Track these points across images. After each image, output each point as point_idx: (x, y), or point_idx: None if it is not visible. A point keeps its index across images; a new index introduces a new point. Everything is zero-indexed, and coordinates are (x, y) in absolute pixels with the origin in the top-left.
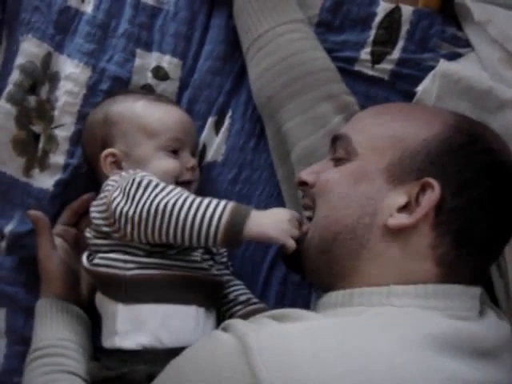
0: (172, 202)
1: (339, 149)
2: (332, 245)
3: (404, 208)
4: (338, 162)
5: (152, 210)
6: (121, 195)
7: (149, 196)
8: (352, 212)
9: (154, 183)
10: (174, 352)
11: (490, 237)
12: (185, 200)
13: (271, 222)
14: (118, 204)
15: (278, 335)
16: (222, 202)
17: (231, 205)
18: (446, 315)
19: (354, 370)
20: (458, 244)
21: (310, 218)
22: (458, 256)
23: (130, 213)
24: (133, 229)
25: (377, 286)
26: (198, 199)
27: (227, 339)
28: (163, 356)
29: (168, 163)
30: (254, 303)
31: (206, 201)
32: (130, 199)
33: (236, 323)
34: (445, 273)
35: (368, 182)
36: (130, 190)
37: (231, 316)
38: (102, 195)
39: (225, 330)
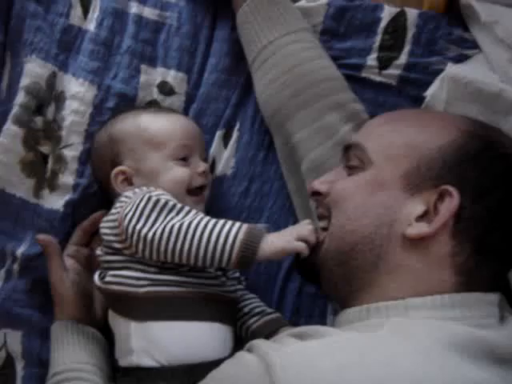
0: (187, 222)
1: (353, 157)
2: (349, 256)
3: (422, 217)
4: (351, 170)
5: (167, 230)
6: (134, 213)
7: (165, 218)
8: (369, 222)
9: (170, 204)
10: (192, 368)
11: (510, 243)
12: (200, 220)
13: (282, 237)
14: (131, 221)
15: (299, 352)
16: (237, 224)
17: (245, 226)
18: (464, 324)
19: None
20: (478, 251)
21: (324, 229)
22: (477, 264)
23: (144, 231)
24: (145, 247)
25: (393, 300)
26: (213, 220)
27: (251, 359)
28: (181, 373)
29: (178, 172)
30: (270, 313)
31: (221, 222)
32: (145, 218)
33: (259, 343)
34: (463, 281)
35: (385, 191)
36: (144, 208)
37: (248, 329)
38: (113, 211)
39: (249, 350)
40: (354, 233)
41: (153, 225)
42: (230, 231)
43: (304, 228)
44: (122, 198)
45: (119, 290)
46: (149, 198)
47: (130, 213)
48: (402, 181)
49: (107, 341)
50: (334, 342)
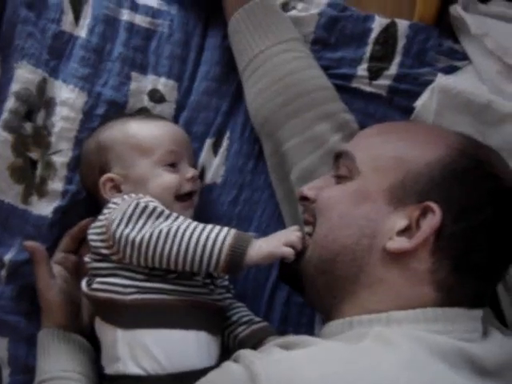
0: (175, 227)
1: (342, 166)
2: (331, 265)
3: (404, 231)
4: (340, 179)
5: (155, 234)
6: (122, 218)
7: (153, 223)
8: (351, 233)
9: (158, 210)
10: (177, 377)
11: (491, 262)
12: (188, 225)
13: (270, 242)
14: (119, 226)
15: (284, 362)
16: (225, 228)
17: (233, 231)
18: (447, 337)
19: None
20: (458, 269)
21: (309, 234)
22: (457, 281)
23: (132, 235)
24: (133, 251)
25: (376, 313)
26: (201, 225)
27: (236, 369)
28: (166, 382)
29: (167, 178)
30: (257, 322)
31: (209, 226)
32: (133, 223)
33: (245, 353)
34: (444, 297)
35: (369, 202)
36: (132, 214)
37: (235, 338)
38: (101, 217)
39: (235, 360)
40: (335, 242)
41: (141, 230)
42: (218, 235)
43: (292, 234)
44: (110, 205)
45: (106, 297)
46: (137, 204)
47: (118, 218)
48: (387, 194)
49: (94, 349)
50: (319, 352)
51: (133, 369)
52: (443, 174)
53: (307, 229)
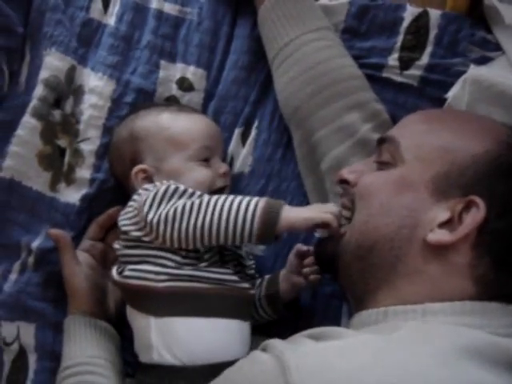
0: (206, 199)
1: (385, 152)
2: (368, 252)
3: (445, 224)
4: (382, 165)
5: (187, 206)
6: (154, 198)
7: (185, 199)
8: (392, 221)
9: (190, 191)
10: (212, 368)
11: None
12: (218, 197)
13: (308, 209)
14: (151, 206)
15: (315, 353)
16: (255, 197)
17: (265, 198)
18: (482, 331)
19: None
20: (498, 265)
21: (347, 218)
22: (496, 277)
23: (164, 212)
24: (166, 227)
25: (411, 304)
26: (232, 196)
27: (266, 359)
28: (201, 372)
29: (201, 173)
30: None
31: (239, 197)
32: (165, 202)
33: (274, 343)
34: (483, 291)
35: (411, 192)
36: (164, 194)
37: (255, 303)
38: (131, 203)
39: (264, 350)
40: (375, 230)
41: (173, 205)
42: (250, 202)
43: (329, 206)
44: (141, 191)
45: (138, 285)
46: (168, 186)
47: (150, 199)
48: (430, 184)
49: (120, 336)
50: (350, 344)
51: (168, 358)
52: (489, 168)
53: (345, 213)
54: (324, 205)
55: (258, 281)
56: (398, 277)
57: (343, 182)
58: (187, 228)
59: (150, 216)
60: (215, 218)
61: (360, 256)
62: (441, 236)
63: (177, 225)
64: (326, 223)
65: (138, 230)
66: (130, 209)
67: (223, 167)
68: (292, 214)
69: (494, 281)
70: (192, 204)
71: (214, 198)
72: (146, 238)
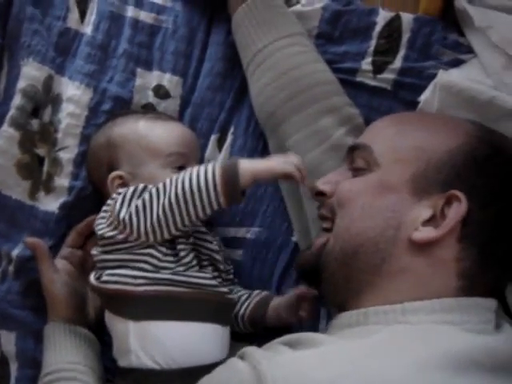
0: (168, 180)
1: (358, 158)
2: (353, 257)
3: (429, 221)
4: (357, 172)
5: (153, 192)
6: (124, 197)
7: (150, 190)
8: (375, 224)
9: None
10: (190, 372)
11: None
12: (179, 174)
13: (269, 159)
14: (122, 204)
15: (292, 363)
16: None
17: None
18: (461, 329)
19: None
20: (483, 257)
21: (327, 230)
22: (481, 269)
23: (133, 206)
24: (138, 218)
25: (390, 304)
26: (185, 170)
27: (242, 368)
28: (180, 376)
29: None
30: (257, 295)
31: (194, 167)
32: (135, 198)
33: (251, 351)
34: (465, 286)
35: (392, 193)
36: (133, 193)
37: (243, 317)
38: (105, 208)
39: (241, 357)
40: (358, 235)
41: (139, 197)
42: (207, 167)
43: (291, 156)
44: (114, 195)
45: (116, 289)
46: (136, 186)
47: (120, 199)
48: (410, 184)
49: (99, 342)
50: (327, 353)
51: (146, 362)
52: (465, 162)
53: (325, 224)
54: (285, 155)
55: (245, 295)
56: (381, 278)
57: (319, 194)
58: (158, 212)
59: (122, 214)
60: (179, 192)
61: (345, 263)
62: (426, 233)
63: (148, 212)
64: (288, 174)
65: (113, 229)
66: (104, 213)
67: None
68: (252, 165)
69: (479, 274)
70: (157, 188)
71: (174, 176)
72: (120, 236)
